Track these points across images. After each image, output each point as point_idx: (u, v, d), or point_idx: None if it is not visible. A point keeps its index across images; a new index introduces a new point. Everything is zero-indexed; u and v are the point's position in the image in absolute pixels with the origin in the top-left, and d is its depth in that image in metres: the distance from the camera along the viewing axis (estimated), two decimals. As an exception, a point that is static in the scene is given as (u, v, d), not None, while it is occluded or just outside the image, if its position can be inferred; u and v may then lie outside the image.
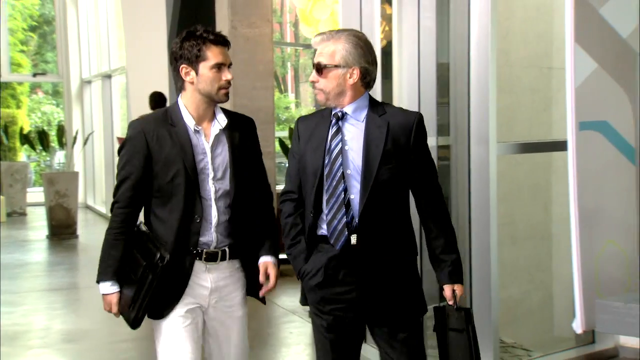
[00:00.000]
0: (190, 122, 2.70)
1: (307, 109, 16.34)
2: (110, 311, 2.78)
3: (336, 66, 2.60)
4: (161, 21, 8.96)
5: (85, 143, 12.07)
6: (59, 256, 9.05)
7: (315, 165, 2.65)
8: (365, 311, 2.66)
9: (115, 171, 2.76)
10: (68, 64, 14.35)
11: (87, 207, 13.88)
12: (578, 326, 3.44)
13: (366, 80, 2.65)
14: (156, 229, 2.70)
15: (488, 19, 3.84)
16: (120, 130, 12.43)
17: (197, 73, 2.63)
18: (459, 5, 3.91)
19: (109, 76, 12.75)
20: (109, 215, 2.77)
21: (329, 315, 2.68)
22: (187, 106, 2.69)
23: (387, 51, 4.33)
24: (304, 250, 2.70)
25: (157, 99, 8.10)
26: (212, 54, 2.62)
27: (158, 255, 2.62)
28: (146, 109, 9.40)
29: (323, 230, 2.66)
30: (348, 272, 2.64)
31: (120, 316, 2.79)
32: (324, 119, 2.71)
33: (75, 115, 14.34)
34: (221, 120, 2.73)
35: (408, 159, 2.63)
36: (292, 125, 11.82)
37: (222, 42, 2.66)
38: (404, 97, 3.83)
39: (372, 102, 2.70)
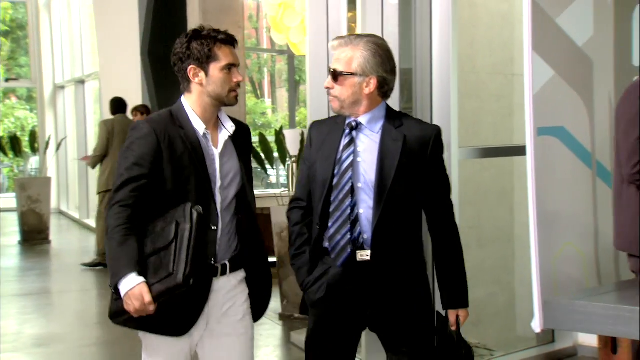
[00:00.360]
0: (199, 126, 2.53)
1: (283, 114, 16.41)
2: (141, 307, 2.37)
3: (352, 74, 2.50)
4: (134, 27, 9.00)
5: (57, 148, 12.04)
6: (31, 262, 9.02)
7: (325, 175, 2.55)
8: (369, 323, 2.60)
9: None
10: (41, 69, 14.30)
11: (61, 213, 13.82)
12: (537, 325, 3.54)
13: (383, 90, 2.56)
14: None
15: (449, 26, 3.94)
16: (94, 135, 12.40)
17: (207, 74, 2.49)
18: (422, 13, 4.01)
19: (82, 82, 12.74)
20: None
21: (329, 327, 2.60)
22: (194, 109, 2.54)
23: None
24: (308, 262, 2.61)
25: (117, 105, 8.23)
26: (223, 54, 2.48)
27: (188, 205, 2.41)
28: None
29: (327, 243, 2.58)
30: (353, 288, 2.54)
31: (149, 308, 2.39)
32: (337, 127, 2.60)
33: (49, 121, 14.29)
34: (229, 127, 2.59)
35: (423, 174, 2.54)
36: (265, 132, 11.88)
37: (231, 41, 2.53)
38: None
39: (389, 112, 2.60)
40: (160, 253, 2.40)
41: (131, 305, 2.37)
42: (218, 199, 2.52)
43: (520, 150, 3.80)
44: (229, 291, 2.59)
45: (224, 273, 2.57)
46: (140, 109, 8.46)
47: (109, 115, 8.37)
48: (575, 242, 3.78)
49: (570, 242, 3.77)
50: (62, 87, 14.01)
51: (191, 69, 2.49)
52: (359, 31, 4.02)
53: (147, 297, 2.35)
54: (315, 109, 4.23)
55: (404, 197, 2.51)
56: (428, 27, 3.99)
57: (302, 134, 5.95)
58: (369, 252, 2.50)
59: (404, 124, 2.55)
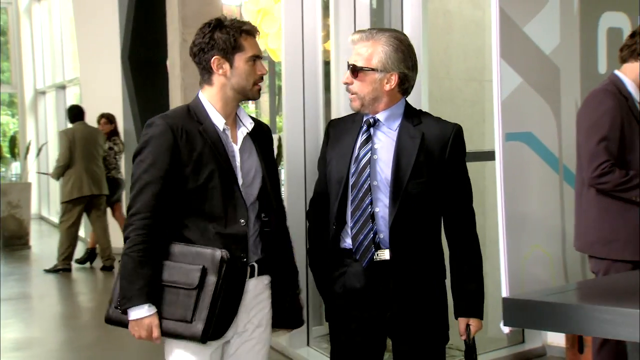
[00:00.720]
0: (218, 120, 2.38)
1: (266, 119, 16.48)
2: (147, 338, 2.30)
3: (373, 70, 2.41)
4: (114, 32, 9.04)
5: (38, 154, 12.03)
6: (11, 266, 9.00)
7: (340, 173, 2.48)
8: (390, 326, 2.50)
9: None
10: (22, 74, 14.28)
11: (42, 218, 13.78)
12: (505, 326, 3.64)
13: (404, 87, 2.47)
14: (194, 241, 2.33)
15: (420, 33, 4.03)
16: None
17: (231, 65, 2.35)
18: (393, 19, 4.10)
19: (63, 87, 12.74)
20: None
21: (351, 330, 2.50)
22: (213, 103, 2.38)
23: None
24: (327, 264, 2.53)
25: (75, 113, 8.31)
26: (249, 45, 2.37)
27: (218, 252, 2.26)
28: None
29: (347, 243, 2.48)
30: (373, 289, 2.46)
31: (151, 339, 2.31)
32: (354, 125, 2.53)
33: (30, 126, 14.25)
34: (247, 123, 2.45)
35: (441, 174, 2.45)
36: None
37: (255, 32, 2.40)
38: (341, 107, 4.00)
39: (408, 109, 2.51)
40: (179, 290, 2.27)
41: (137, 332, 2.29)
42: (244, 196, 2.38)
43: (490, 155, 3.89)
44: (256, 295, 2.45)
45: (252, 275, 2.42)
46: (107, 116, 8.59)
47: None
48: (543, 244, 3.88)
49: (538, 244, 3.87)
50: (43, 93, 13.99)
51: (215, 60, 2.34)
52: (332, 36, 4.10)
53: (156, 333, 2.28)
54: (291, 113, 4.30)
55: (421, 196, 2.42)
56: (399, 29, 4.08)
57: (279, 140, 6.02)
58: (386, 252, 2.42)
59: (422, 122, 2.47)
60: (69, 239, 8.09)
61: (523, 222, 3.78)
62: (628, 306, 2.47)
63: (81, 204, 8.05)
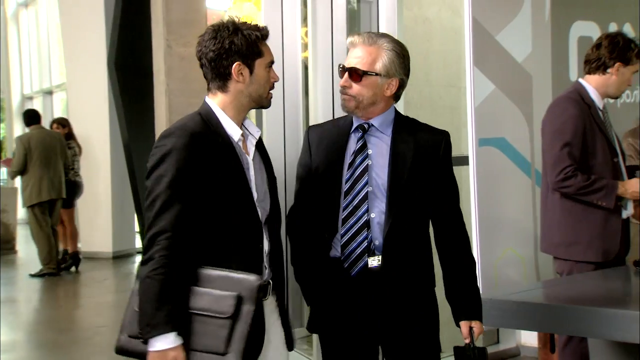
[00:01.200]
0: (234, 130, 2.21)
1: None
2: None
3: (377, 74, 2.37)
4: (100, 38, 9.10)
5: (25, 159, 12.05)
6: (-3, 271, 9.04)
7: (332, 180, 2.42)
8: (380, 336, 2.44)
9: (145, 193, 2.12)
10: (9, 80, 14.31)
11: (28, 223, 13.78)
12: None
13: (399, 93, 2.46)
14: (214, 261, 2.14)
15: (395, 34, 4.12)
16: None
17: (251, 72, 2.20)
18: (369, 27, 4.20)
19: (50, 92, 12.78)
20: None
21: (342, 340, 2.45)
22: (226, 112, 2.23)
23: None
24: (314, 274, 2.46)
25: (30, 116, 8.38)
26: (266, 50, 2.22)
27: (252, 278, 2.09)
28: (87, 125, 9.53)
29: (336, 252, 2.42)
30: (363, 297, 2.40)
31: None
32: (340, 130, 2.48)
33: (17, 131, 14.27)
34: (254, 131, 2.28)
35: (433, 179, 2.43)
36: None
37: (268, 36, 2.24)
38: (319, 111, 4.08)
39: (398, 115, 2.50)
40: (210, 319, 2.07)
41: None
42: (259, 212, 2.22)
43: (464, 160, 3.99)
44: (269, 315, 2.27)
45: (267, 293, 2.25)
46: (58, 121, 8.65)
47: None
48: (516, 247, 3.98)
49: (511, 247, 3.98)
50: (30, 98, 14.01)
51: (237, 65, 2.17)
52: (309, 43, 4.17)
53: None
54: (271, 119, 4.38)
55: (416, 201, 2.40)
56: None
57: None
58: (378, 258, 2.38)
59: (414, 128, 2.46)
60: (45, 243, 8.13)
61: (496, 225, 3.88)
62: (583, 304, 2.59)
63: (44, 208, 8.11)
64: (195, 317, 2.07)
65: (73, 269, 8.58)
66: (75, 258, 8.64)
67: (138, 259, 9.18)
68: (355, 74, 2.37)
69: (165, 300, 2.02)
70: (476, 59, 3.85)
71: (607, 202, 3.16)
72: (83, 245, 9.44)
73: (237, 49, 2.16)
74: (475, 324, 2.42)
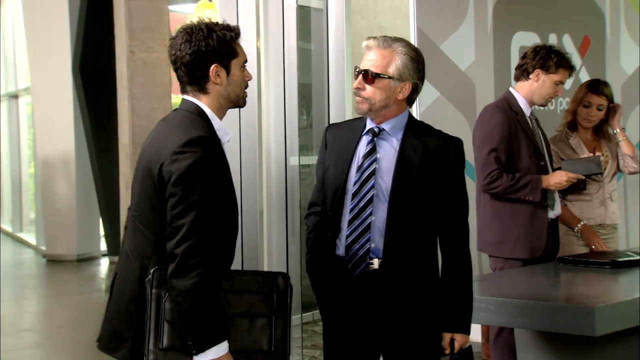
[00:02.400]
0: (224, 132, 2.20)
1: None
2: None
3: (390, 77, 2.39)
4: (65, 42, 9.15)
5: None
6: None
7: (338, 180, 2.46)
8: (379, 338, 2.47)
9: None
10: (-26, 83, 14.24)
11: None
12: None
13: (412, 97, 2.46)
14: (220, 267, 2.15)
15: (343, 41, 4.30)
16: (28, 149, 12.44)
17: (228, 73, 2.18)
18: (319, 31, 4.39)
19: (15, 96, 12.77)
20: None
21: (344, 338, 2.50)
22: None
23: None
24: (323, 271, 2.51)
25: None
26: (240, 50, 2.21)
27: (281, 278, 2.17)
28: (52, 129, 9.57)
29: (340, 251, 2.47)
30: (365, 298, 2.44)
31: None
32: (353, 132, 2.51)
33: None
34: (225, 134, 2.22)
35: (441, 187, 2.42)
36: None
37: (240, 35, 2.22)
38: (271, 117, 4.24)
39: (411, 120, 2.50)
40: (247, 320, 2.12)
41: None
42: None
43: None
44: None
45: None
46: None
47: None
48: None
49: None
50: (-5, 101, 13.97)
51: (214, 68, 2.15)
52: (262, 49, 4.32)
53: None
54: (226, 123, 4.53)
55: (419, 207, 2.40)
56: (325, 44, 4.35)
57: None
58: (378, 262, 2.41)
59: (425, 134, 2.46)
60: None
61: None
62: (510, 297, 2.79)
63: None
64: (236, 319, 2.10)
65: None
66: None
67: (103, 261, 9.25)
68: (369, 77, 2.40)
69: (216, 310, 2.03)
70: (421, 68, 4.04)
71: (534, 196, 3.34)
72: (47, 248, 9.50)
73: (213, 51, 2.14)
74: (458, 337, 2.43)
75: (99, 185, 8.96)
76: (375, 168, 2.42)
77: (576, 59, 4.82)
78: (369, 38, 2.47)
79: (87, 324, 5.64)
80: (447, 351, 2.42)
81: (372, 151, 2.44)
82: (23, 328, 6.23)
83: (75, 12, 8.95)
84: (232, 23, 4.05)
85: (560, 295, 3.05)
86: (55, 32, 9.28)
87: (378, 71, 2.39)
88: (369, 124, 2.48)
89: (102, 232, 9.42)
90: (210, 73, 2.15)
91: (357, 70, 2.44)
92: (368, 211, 2.40)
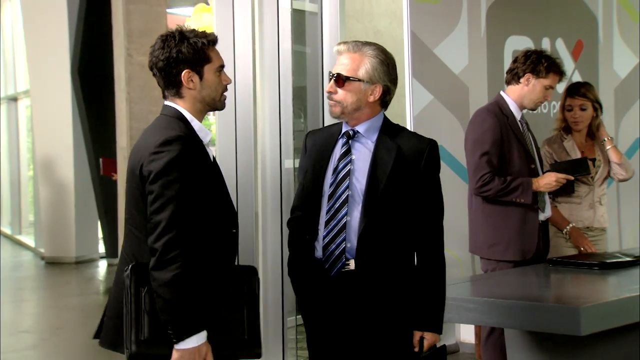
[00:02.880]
0: (204, 135, 2.31)
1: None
2: None
3: (359, 80, 2.44)
4: (64, 45, 9.19)
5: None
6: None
7: (315, 183, 2.52)
8: (358, 338, 2.50)
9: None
10: (-26, 86, 14.27)
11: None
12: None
13: (385, 100, 2.50)
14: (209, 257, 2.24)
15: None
16: (27, 152, 12.48)
17: (201, 78, 2.28)
18: (313, 35, 4.42)
19: (14, 99, 12.81)
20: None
21: (325, 340, 2.54)
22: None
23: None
24: (302, 273, 2.56)
25: None
26: (214, 55, 2.30)
27: (250, 272, 2.32)
28: (51, 131, 9.61)
29: (319, 253, 2.51)
30: (341, 298, 2.48)
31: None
32: (331, 135, 2.58)
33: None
34: (206, 135, 2.32)
35: (415, 188, 2.45)
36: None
37: (216, 42, 2.32)
38: (266, 120, 4.27)
39: (386, 123, 2.54)
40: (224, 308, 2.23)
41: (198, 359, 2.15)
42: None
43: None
44: None
45: None
46: None
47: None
48: (453, 249, 4.19)
49: (448, 249, 4.19)
50: (-5, 104, 14.01)
51: (185, 73, 2.26)
52: (257, 53, 4.35)
53: (210, 358, 2.17)
54: (223, 129, 4.55)
55: (393, 208, 2.44)
56: (320, 48, 4.39)
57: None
58: (353, 261, 2.45)
59: (399, 135, 2.50)
60: None
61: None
62: (501, 298, 2.82)
63: None
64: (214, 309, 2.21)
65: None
66: None
67: (101, 264, 9.28)
68: (340, 80, 2.45)
69: (196, 300, 2.11)
70: (414, 71, 4.09)
71: (525, 198, 3.38)
72: (46, 251, 9.53)
73: (184, 57, 2.24)
74: (427, 335, 2.46)
75: (97, 187, 9.00)
76: (350, 169, 2.47)
77: (569, 63, 4.87)
78: (339, 43, 2.53)
79: (85, 326, 5.67)
80: (417, 349, 2.46)
81: (347, 153, 2.49)
82: (22, 329, 6.27)
83: (74, 15, 8.99)
84: (228, 26, 3.98)
85: (548, 295, 3.09)
86: (54, 35, 9.32)
87: (348, 74, 2.44)
88: (344, 127, 2.53)
89: (100, 234, 9.45)
90: (183, 78, 2.25)
91: (330, 74, 2.50)
92: (343, 211, 2.45)
